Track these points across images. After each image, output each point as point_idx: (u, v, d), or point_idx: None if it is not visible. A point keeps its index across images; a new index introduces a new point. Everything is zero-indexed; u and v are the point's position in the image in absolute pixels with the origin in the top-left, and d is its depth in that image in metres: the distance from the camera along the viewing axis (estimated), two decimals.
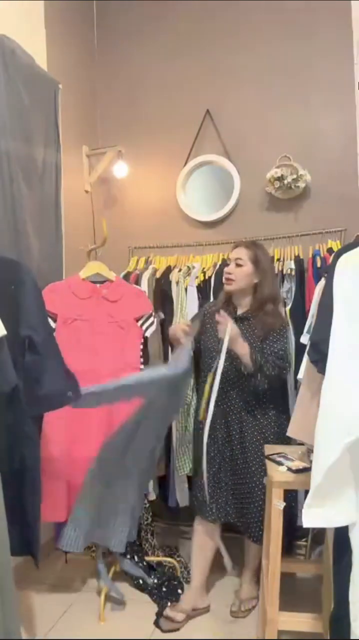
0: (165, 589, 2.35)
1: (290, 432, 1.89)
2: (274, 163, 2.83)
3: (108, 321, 2.33)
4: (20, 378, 1.66)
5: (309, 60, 2.83)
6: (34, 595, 2.35)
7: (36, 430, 1.96)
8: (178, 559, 2.56)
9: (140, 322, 2.37)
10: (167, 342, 2.59)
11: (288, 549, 2.36)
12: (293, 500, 2.30)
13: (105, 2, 3.17)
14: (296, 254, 2.72)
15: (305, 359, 1.82)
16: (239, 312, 2.26)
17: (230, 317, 2.11)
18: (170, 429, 2.57)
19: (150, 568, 2.47)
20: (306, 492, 1.43)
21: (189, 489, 2.63)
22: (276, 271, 2.64)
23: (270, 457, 1.94)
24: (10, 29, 2.24)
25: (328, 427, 1.35)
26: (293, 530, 2.32)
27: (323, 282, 1.92)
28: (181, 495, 2.69)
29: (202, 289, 2.77)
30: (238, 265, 2.21)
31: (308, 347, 1.73)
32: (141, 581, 2.40)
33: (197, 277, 2.78)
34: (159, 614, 2.20)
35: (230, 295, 2.29)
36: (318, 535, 2.39)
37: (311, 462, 1.53)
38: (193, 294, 2.75)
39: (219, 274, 2.63)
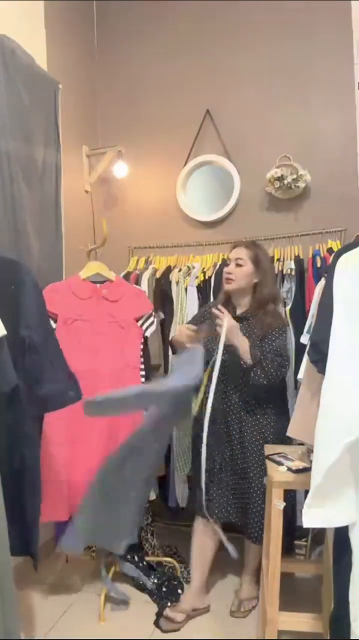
0: (165, 589, 2.35)
1: (290, 432, 1.89)
2: (274, 163, 2.83)
3: (108, 321, 2.33)
4: (20, 378, 1.66)
5: (309, 60, 2.83)
6: (34, 595, 2.36)
7: (36, 431, 1.96)
8: (178, 559, 2.56)
9: (140, 322, 2.37)
10: (168, 342, 2.59)
11: (288, 549, 2.36)
12: (292, 500, 2.30)
13: (105, 2, 3.17)
14: (296, 254, 2.73)
15: (305, 359, 1.82)
16: (239, 312, 2.26)
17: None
18: None
19: (150, 568, 2.47)
20: (306, 492, 1.43)
21: (189, 489, 2.63)
22: (276, 271, 2.64)
23: (270, 457, 1.94)
24: (10, 29, 2.24)
25: (328, 427, 1.35)
26: (292, 530, 2.32)
27: (323, 282, 1.92)
28: (181, 496, 2.69)
29: (202, 289, 2.77)
30: (238, 265, 2.21)
31: (308, 347, 1.73)
32: (141, 582, 2.40)
33: (197, 277, 2.78)
34: (159, 614, 2.20)
35: (229, 295, 2.29)
36: (318, 535, 2.39)
37: (311, 462, 1.53)
38: (193, 294, 2.75)
39: (219, 274, 2.63)
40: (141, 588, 2.40)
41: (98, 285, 2.40)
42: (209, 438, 1.98)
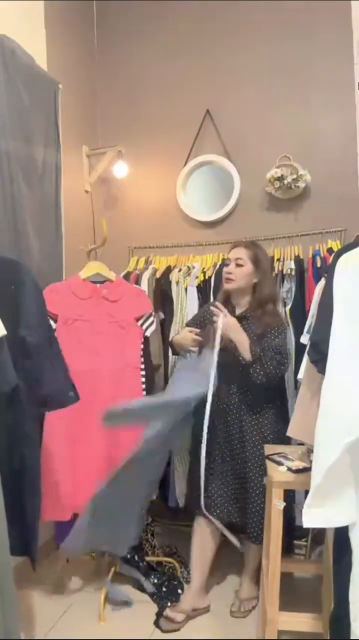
0: (165, 589, 2.35)
1: (290, 432, 1.89)
2: (274, 163, 2.83)
3: (108, 321, 2.33)
4: (20, 378, 1.66)
5: (309, 60, 2.83)
6: (34, 595, 2.35)
7: (36, 431, 1.96)
8: (178, 559, 2.56)
9: (140, 321, 2.37)
10: (167, 343, 2.59)
11: (287, 549, 2.36)
12: (291, 500, 2.30)
13: (105, 2, 3.17)
14: (296, 254, 2.72)
15: (305, 359, 1.82)
16: (238, 311, 2.26)
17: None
18: None
19: (150, 568, 2.47)
20: (306, 492, 1.43)
21: (187, 488, 2.62)
22: (276, 271, 2.64)
23: (270, 457, 1.94)
24: (10, 29, 2.24)
25: (328, 427, 1.35)
26: (291, 529, 2.32)
27: (323, 282, 1.92)
28: (181, 495, 2.69)
29: (202, 289, 2.77)
30: (238, 265, 2.22)
31: (308, 347, 1.73)
32: (141, 584, 2.40)
33: (197, 277, 2.78)
34: (159, 614, 2.20)
35: (229, 295, 2.29)
36: (318, 535, 2.39)
37: (311, 462, 1.53)
38: (193, 294, 2.75)
39: (219, 274, 2.63)
40: (141, 588, 2.40)
41: (98, 285, 2.40)
42: (208, 437, 1.99)
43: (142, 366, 2.37)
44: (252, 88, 2.95)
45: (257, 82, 2.94)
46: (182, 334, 2.31)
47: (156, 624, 2.16)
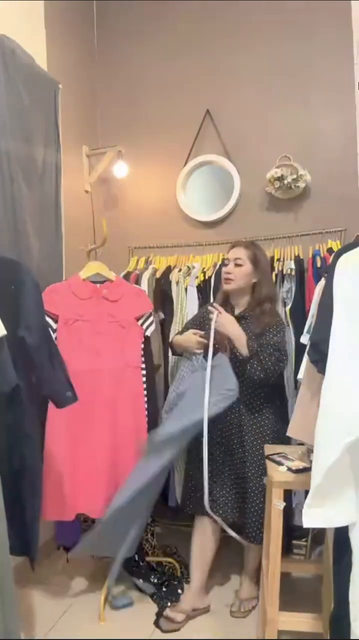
0: (165, 589, 2.35)
1: (290, 432, 1.89)
2: (274, 163, 2.83)
3: (109, 321, 2.33)
4: (20, 378, 1.66)
5: (309, 60, 2.83)
6: (34, 595, 2.35)
7: (37, 430, 1.96)
8: (178, 559, 2.55)
9: (140, 321, 2.37)
10: (167, 343, 2.59)
11: (286, 549, 2.36)
12: (289, 500, 2.30)
13: (105, 2, 3.17)
14: (296, 254, 2.73)
15: (305, 359, 1.82)
16: (237, 311, 2.27)
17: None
18: None
19: (150, 568, 2.47)
20: (306, 492, 1.43)
21: (186, 488, 2.62)
22: (276, 271, 2.64)
23: (270, 457, 1.93)
24: (10, 29, 2.24)
25: (328, 427, 1.35)
26: (289, 529, 2.32)
27: (323, 282, 1.92)
28: (181, 495, 2.68)
29: (202, 289, 2.77)
30: (237, 265, 2.22)
31: (308, 347, 1.73)
32: (140, 587, 2.40)
33: (197, 277, 2.78)
34: (159, 614, 2.20)
35: (228, 295, 2.29)
36: (318, 535, 2.39)
37: (311, 462, 1.53)
38: (193, 294, 2.75)
39: (219, 274, 2.63)
40: (140, 590, 2.40)
41: (98, 285, 2.40)
42: (208, 437, 1.99)
43: (143, 366, 2.38)
44: (252, 88, 2.95)
45: (257, 82, 2.94)
46: (185, 336, 2.30)
47: (156, 624, 2.16)
